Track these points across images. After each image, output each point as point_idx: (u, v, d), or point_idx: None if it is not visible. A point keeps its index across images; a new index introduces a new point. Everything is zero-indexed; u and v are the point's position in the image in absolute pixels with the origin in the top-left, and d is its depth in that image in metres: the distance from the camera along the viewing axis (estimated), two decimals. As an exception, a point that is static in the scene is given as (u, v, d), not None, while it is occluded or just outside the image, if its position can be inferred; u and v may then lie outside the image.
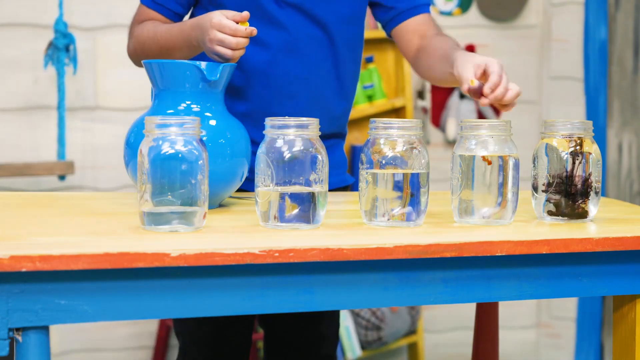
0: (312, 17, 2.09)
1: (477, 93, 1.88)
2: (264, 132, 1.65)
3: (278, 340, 2.22)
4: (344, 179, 2.24)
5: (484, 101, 1.85)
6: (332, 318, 2.23)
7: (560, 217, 1.77)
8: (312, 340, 2.20)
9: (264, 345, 2.26)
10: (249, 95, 2.10)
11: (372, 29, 3.69)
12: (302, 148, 1.62)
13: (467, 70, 1.89)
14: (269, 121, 1.64)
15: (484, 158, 1.71)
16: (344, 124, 2.22)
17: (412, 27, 2.21)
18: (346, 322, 3.62)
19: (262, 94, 2.09)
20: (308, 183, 1.62)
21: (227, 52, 1.87)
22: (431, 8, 3.82)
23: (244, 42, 1.87)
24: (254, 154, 1.79)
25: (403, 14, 2.21)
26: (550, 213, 1.78)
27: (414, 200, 1.66)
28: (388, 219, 1.67)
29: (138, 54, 2.10)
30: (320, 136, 1.85)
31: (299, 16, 2.08)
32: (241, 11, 1.96)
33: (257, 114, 2.08)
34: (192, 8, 2.17)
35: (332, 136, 2.17)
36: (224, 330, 2.15)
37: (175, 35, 2.00)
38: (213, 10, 1.93)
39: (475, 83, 1.87)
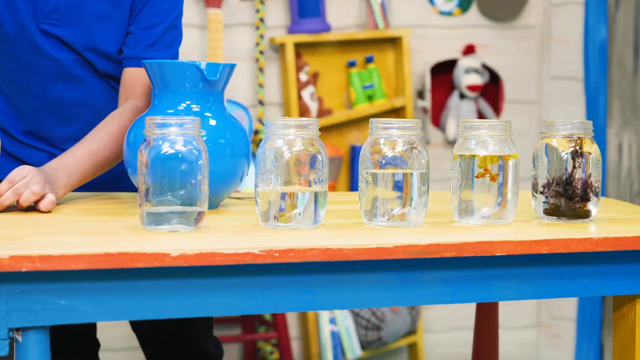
0: (72, 47, 2.08)
1: None
2: (264, 132, 1.65)
3: (150, 341, 2.22)
4: None
5: None
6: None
7: (560, 217, 1.77)
8: (182, 338, 2.19)
9: (140, 346, 2.26)
10: (29, 117, 2.13)
11: (372, 29, 3.69)
12: (302, 148, 1.62)
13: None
14: (269, 121, 1.64)
15: (485, 170, 1.71)
16: None
17: (126, 80, 2.11)
18: (346, 322, 3.63)
19: (42, 116, 2.12)
20: (308, 183, 1.62)
21: None
22: (432, 8, 3.83)
23: None
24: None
25: (126, 61, 2.11)
26: (550, 213, 1.78)
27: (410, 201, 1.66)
28: (388, 219, 1.67)
29: None
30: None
31: (63, 46, 2.08)
32: (15, 40, 2.03)
33: (40, 133, 2.14)
34: None
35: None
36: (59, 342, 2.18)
37: None
38: None
39: None
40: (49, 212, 1.79)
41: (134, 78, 2.08)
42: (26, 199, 1.79)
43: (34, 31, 2.06)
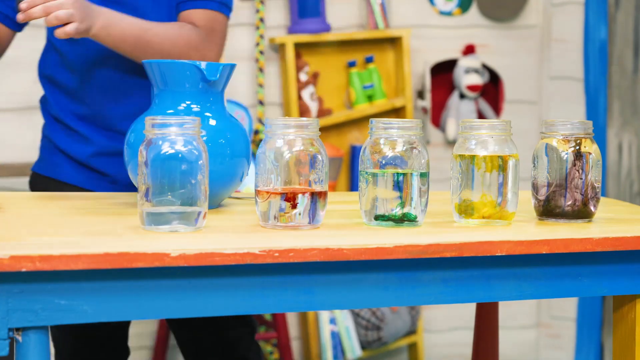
0: (132, 9, 2.09)
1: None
2: (264, 132, 1.65)
3: (190, 345, 2.21)
4: None
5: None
6: (240, 321, 2.20)
7: (560, 217, 1.77)
8: (224, 343, 2.18)
9: (180, 350, 2.25)
10: (84, 98, 2.13)
11: (372, 29, 3.69)
12: (302, 148, 1.62)
13: None
14: (269, 121, 1.64)
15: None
16: None
17: (186, 20, 2.14)
18: (346, 322, 3.63)
19: (96, 96, 2.12)
20: (308, 183, 1.62)
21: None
22: (432, 8, 3.83)
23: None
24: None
25: (183, 4, 2.13)
26: (550, 213, 1.78)
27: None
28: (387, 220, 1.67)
29: None
30: None
31: (120, 10, 2.07)
32: None
33: (95, 114, 2.14)
34: None
35: None
36: (94, 339, 2.17)
37: None
38: None
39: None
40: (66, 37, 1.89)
41: (188, 20, 2.11)
42: (49, 21, 1.85)
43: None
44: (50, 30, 2.15)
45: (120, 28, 1.98)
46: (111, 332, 2.23)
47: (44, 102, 2.22)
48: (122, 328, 2.26)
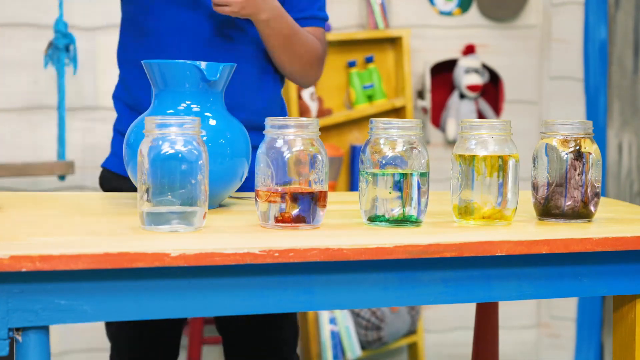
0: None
1: None
2: (264, 132, 1.65)
3: (236, 345, 2.21)
4: None
5: None
6: (289, 321, 2.20)
7: (560, 217, 1.77)
8: (270, 344, 2.17)
9: (223, 350, 2.24)
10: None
11: (372, 29, 3.69)
12: (302, 148, 1.62)
13: None
14: (269, 121, 1.64)
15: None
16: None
17: None
18: (346, 322, 3.62)
19: None
20: (308, 183, 1.62)
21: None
22: (432, 8, 3.83)
23: None
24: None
25: (303, 21, 2.24)
26: (550, 213, 1.78)
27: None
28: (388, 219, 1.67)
29: None
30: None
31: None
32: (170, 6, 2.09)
33: None
34: None
35: None
36: (150, 336, 2.16)
37: None
38: None
39: None
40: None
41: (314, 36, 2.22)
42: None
43: None
44: (129, 9, 2.18)
45: (285, 22, 2.11)
46: (165, 331, 2.21)
47: (118, 92, 2.21)
48: (174, 328, 2.25)
